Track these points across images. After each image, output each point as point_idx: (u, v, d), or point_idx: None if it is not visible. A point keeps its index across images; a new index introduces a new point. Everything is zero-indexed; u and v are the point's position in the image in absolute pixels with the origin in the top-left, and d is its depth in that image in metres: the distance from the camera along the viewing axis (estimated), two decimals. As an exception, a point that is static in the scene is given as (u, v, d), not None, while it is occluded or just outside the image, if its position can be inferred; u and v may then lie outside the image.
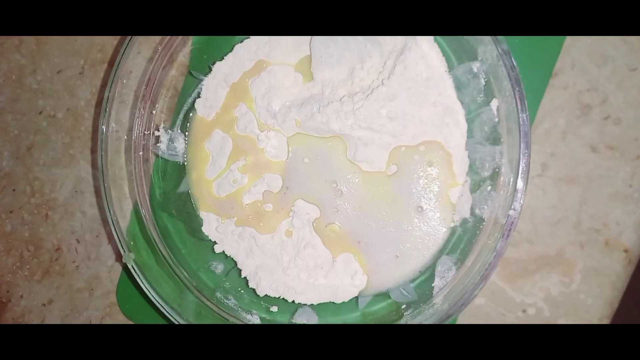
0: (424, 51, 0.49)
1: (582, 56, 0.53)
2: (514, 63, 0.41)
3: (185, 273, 0.54)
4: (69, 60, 0.69)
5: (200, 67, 0.57)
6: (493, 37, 0.42)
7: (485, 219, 0.46)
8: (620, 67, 0.52)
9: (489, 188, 0.46)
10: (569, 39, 0.53)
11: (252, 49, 0.55)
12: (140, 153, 0.55)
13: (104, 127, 0.51)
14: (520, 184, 0.41)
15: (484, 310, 0.55)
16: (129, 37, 0.52)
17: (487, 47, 0.43)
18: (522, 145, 0.41)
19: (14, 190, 0.72)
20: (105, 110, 0.51)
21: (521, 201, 0.41)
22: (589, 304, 0.53)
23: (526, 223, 0.54)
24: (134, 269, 0.50)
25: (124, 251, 0.51)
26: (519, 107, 0.41)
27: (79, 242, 0.69)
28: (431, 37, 0.48)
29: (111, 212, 0.51)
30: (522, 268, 0.54)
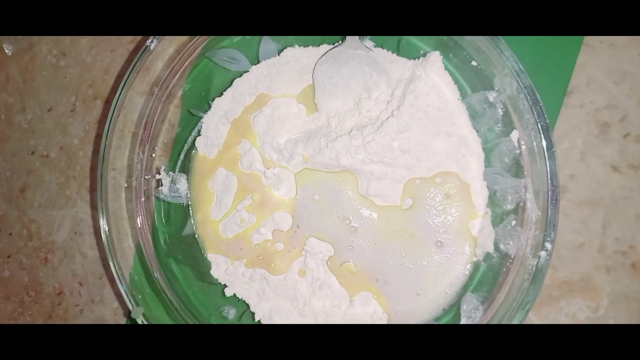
0: (435, 80, 0.46)
1: (598, 72, 0.51)
2: (538, 96, 0.39)
3: (196, 322, 0.51)
4: (58, 97, 0.66)
5: (198, 105, 0.54)
6: (512, 68, 0.40)
7: (512, 256, 0.44)
8: (639, 82, 0.50)
9: (514, 222, 0.44)
10: (583, 55, 0.51)
11: (252, 83, 0.53)
12: (142, 199, 0.52)
13: (103, 176, 0.49)
14: (551, 221, 0.39)
15: (509, 339, 0.53)
16: (125, 77, 0.49)
17: (505, 78, 0.41)
18: (550, 181, 0.39)
19: (10, 234, 0.69)
20: (103, 158, 0.49)
21: (554, 240, 0.39)
22: (618, 329, 0.51)
23: (548, 248, 0.52)
24: (143, 323, 0.48)
25: (132, 306, 0.48)
26: (545, 141, 0.39)
27: (81, 285, 0.67)
28: (441, 66, 0.46)
29: (116, 267, 0.48)
30: (547, 295, 0.52)
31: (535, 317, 0.52)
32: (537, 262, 0.40)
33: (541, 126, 0.39)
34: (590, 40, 0.51)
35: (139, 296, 0.49)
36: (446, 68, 0.47)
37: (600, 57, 0.51)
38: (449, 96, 0.47)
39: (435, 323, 0.49)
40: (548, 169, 0.39)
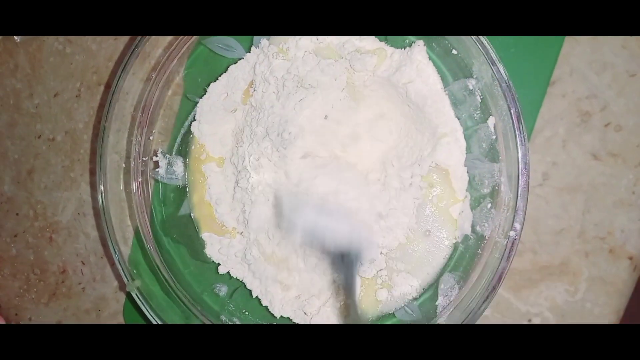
0: (421, 68, 0.48)
1: (581, 63, 0.52)
2: (510, 84, 0.41)
3: (189, 298, 0.54)
4: (64, 83, 0.69)
5: (195, 90, 0.57)
6: (488, 57, 0.41)
7: (487, 237, 0.46)
8: (620, 73, 0.51)
9: (489, 205, 0.46)
10: (566, 46, 0.52)
11: (246, 69, 0.55)
12: (140, 180, 0.55)
13: (102, 157, 0.51)
14: (520, 204, 0.41)
15: (490, 320, 0.55)
16: (124, 62, 0.52)
17: (481, 66, 0.43)
18: (520, 165, 0.40)
19: (17, 214, 0.72)
20: (102, 140, 0.51)
21: (522, 221, 0.41)
22: (595, 312, 0.53)
23: (529, 233, 0.53)
24: (138, 297, 0.50)
25: (127, 280, 0.51)
26: (516, 127, 0.41)
27: (84, 264, 0.70)
28: (425, 55, 0.48)
29: (113, 242, 0.51)
30: (527, 278, 0.54)
31: (516, 300, 0.54)
32: (507, 242, 0.42)
33: (513, 112, 0.41)
34: (573, 31, 0.52)
35: (135, 271, 0.52)
36: (430, 57, 0.48)
37: (583, 48, 0.52)
38: (433, 84, 0.48)
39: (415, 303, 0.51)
40: (519, 154, 0.41)
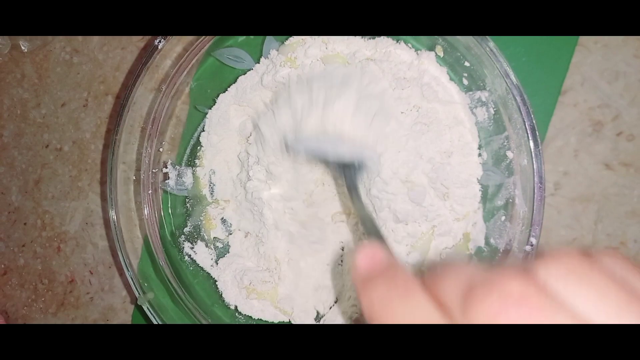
0: (441, 81, 0.48)
1: (592, 72, 0.52)
2: (525, 97, 0.41)
3: (200, 310, 0.54)
4: (71, 93, 0.68)
5: (204, 102, 0.56)
6: (501, 69, 0.41)
7: (501, 250, 0.45)
8: (632, 82, 0.51)
9: (503, 218, 0.45)
10: (578, 55, 0.52)
11: (255, 80, 0.55)
12: (150, 191, 0.54)
13: (112, 169, 0.51)
14: (536, 218, 0.41)
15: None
16: (135, 74, 0.52)
17: (495, 78, 0.43)
18: (536, 178, 0.40)
19: (24, 224, 0.72)
20: (113, 152, 0.51)
21: (538, 236, 0.41)
22: (609, 323, 0.52)
23: (541, 243, 0.53)
24: (149, 310, 0.50)
25: (139, 294, 0.51)
26: (532, 141, 0.40)
27: (92, 273, 0.70)
28: (443, 69, 0.47)
29: (124, 256, 0.51)
30: (539, 288, 0.53)
31: (527, 310, 0.54)
32: (523, 256, 0.42)
33: (528, 126, 0.41)
34: (584, 40, 0.52)
35: (145, 284, 0.52)
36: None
37: (595, 57, 0.52)
38: (454, 93, 0.48)
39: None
40: (534, 168, 0.41)
